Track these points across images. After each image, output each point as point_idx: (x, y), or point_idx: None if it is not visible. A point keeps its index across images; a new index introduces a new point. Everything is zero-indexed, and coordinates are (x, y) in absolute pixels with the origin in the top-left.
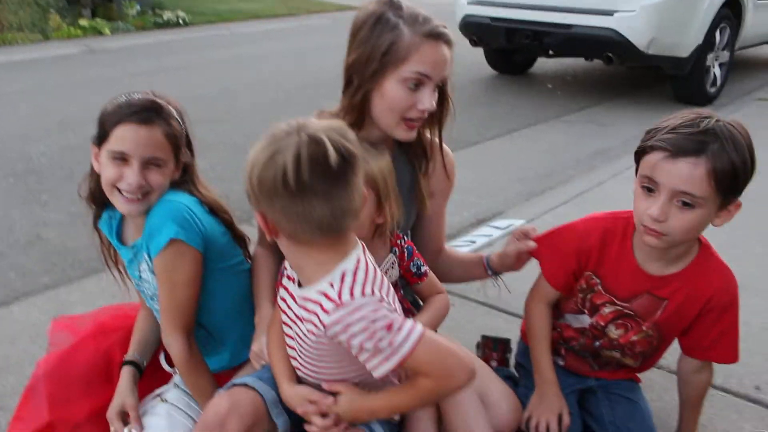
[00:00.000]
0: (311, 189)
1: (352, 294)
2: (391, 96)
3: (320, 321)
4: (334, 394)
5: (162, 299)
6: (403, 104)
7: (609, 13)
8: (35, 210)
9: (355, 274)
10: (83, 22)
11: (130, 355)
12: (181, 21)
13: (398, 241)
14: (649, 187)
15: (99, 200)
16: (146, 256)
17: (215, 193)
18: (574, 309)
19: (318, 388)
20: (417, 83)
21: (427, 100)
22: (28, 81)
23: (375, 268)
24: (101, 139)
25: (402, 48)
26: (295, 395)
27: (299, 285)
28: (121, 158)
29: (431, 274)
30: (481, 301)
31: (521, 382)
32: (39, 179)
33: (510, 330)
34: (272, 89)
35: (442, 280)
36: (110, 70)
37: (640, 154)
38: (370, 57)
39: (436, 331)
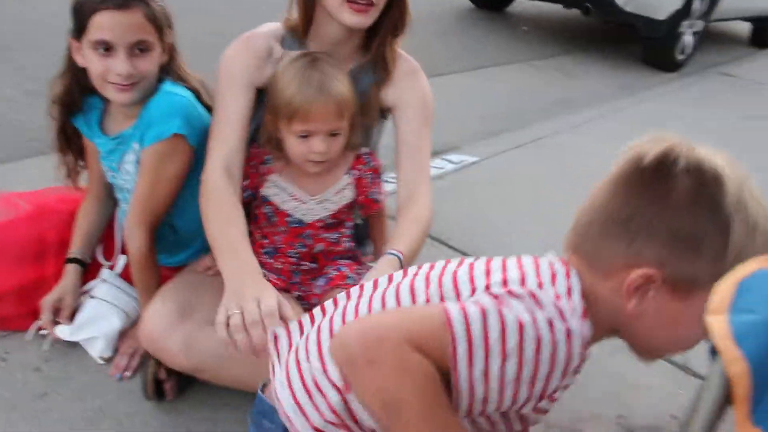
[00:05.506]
0: None
1: None
2: None
3: None
4: None
5: (139, 190)
6: None
7: None
8: None
9: None
10: None
11: (75, 252)
12: None
13: (359, 166)
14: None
15: (75, 97)
16: (136, 146)
17: (198, 77)
18: None
19: None
20: None
21: None
22: None
23: None
24: (80, 31)
25: None
26: None
27: None
28: (105, 48)
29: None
30: None
31: None
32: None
33: None
34: None
35: None
36: None
37: None
38: None
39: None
